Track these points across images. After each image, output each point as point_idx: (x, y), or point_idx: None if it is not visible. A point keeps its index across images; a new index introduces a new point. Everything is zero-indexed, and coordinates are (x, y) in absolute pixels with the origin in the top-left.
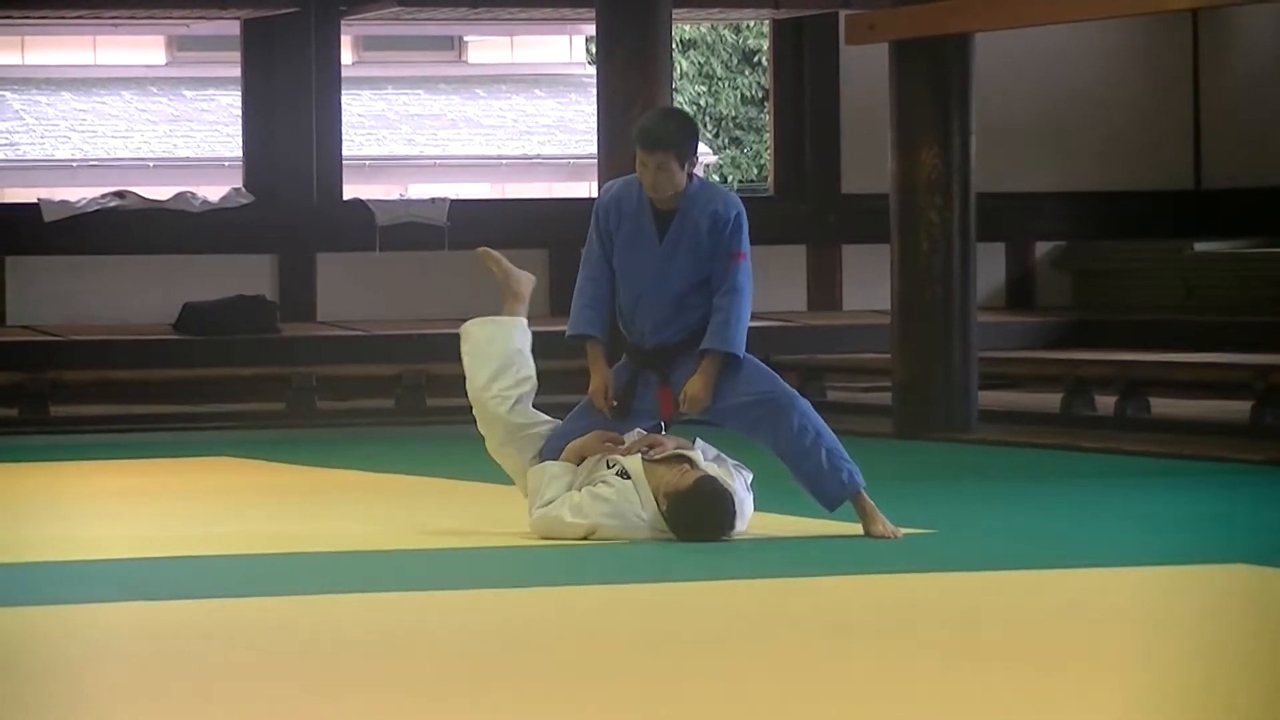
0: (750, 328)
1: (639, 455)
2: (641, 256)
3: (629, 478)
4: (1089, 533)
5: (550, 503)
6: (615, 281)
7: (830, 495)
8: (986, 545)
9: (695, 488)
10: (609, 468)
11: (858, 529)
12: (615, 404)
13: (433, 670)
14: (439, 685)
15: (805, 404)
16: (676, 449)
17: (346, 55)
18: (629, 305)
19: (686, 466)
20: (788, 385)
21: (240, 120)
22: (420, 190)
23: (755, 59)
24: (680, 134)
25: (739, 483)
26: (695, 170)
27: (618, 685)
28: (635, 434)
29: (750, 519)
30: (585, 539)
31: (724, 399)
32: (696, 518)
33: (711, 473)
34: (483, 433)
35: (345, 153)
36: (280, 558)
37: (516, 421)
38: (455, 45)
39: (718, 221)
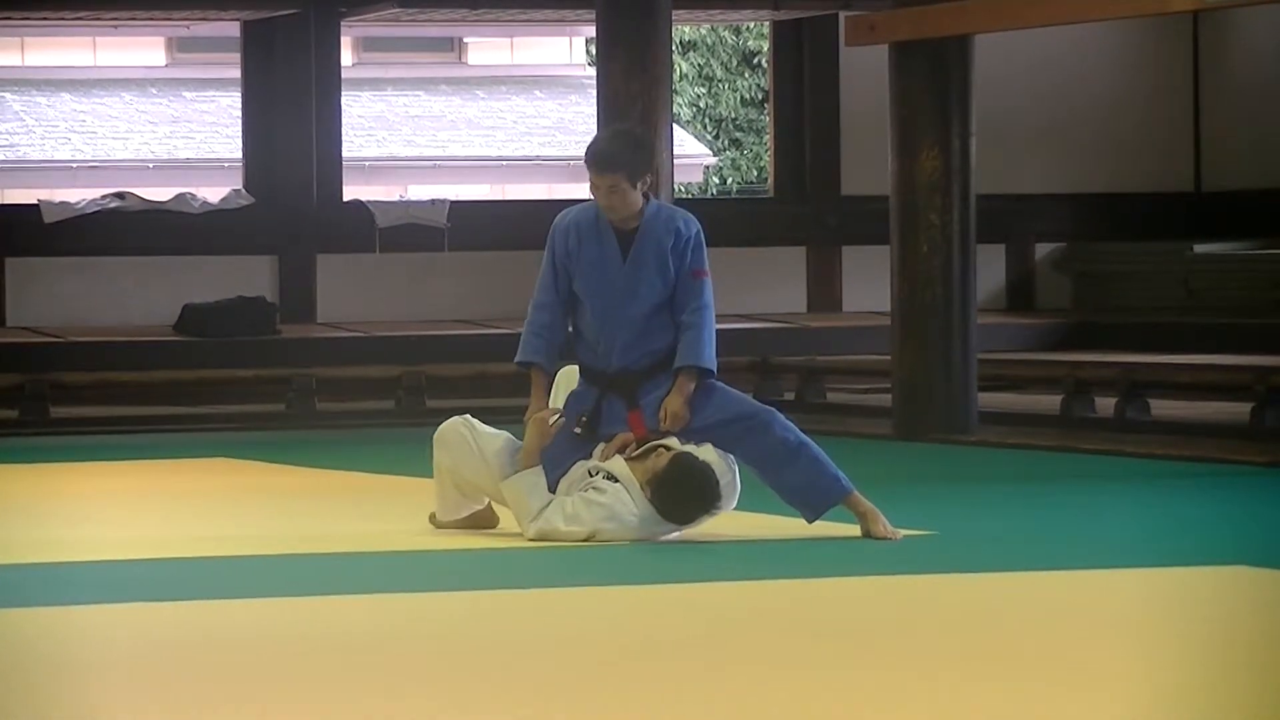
0: (749, 329)
1: (618, 457)
2: (607, 275)
3: (617, 480)
4: (1089, 534)
5: (540, 513)
6: (567, 310)
7: (817, 503)
8: (986, 547)
9: (672, 465)
10: (592, 475)
11: (857, 531)
12: (579, 430)
13: (432, 671)
14: (438, 686)
15: (784, 418)
16: (652, 441)
17: (346, 56)
18: (593, 327)
19: (662, 450)
20: (763, 405)
21: (240, 121)
22: (420, 191)
23: (755, 60)
24: (629, 154)
25: (723, 461)
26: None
27: (612, 687)
28: (599, 449)
29: (738, 495)
30: (584, 541)
31: (703, 418)
32: (681, 494)
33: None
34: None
35: (345, 154)
36: (280, 559)
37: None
38: (455, 46)
39: (679, 239)
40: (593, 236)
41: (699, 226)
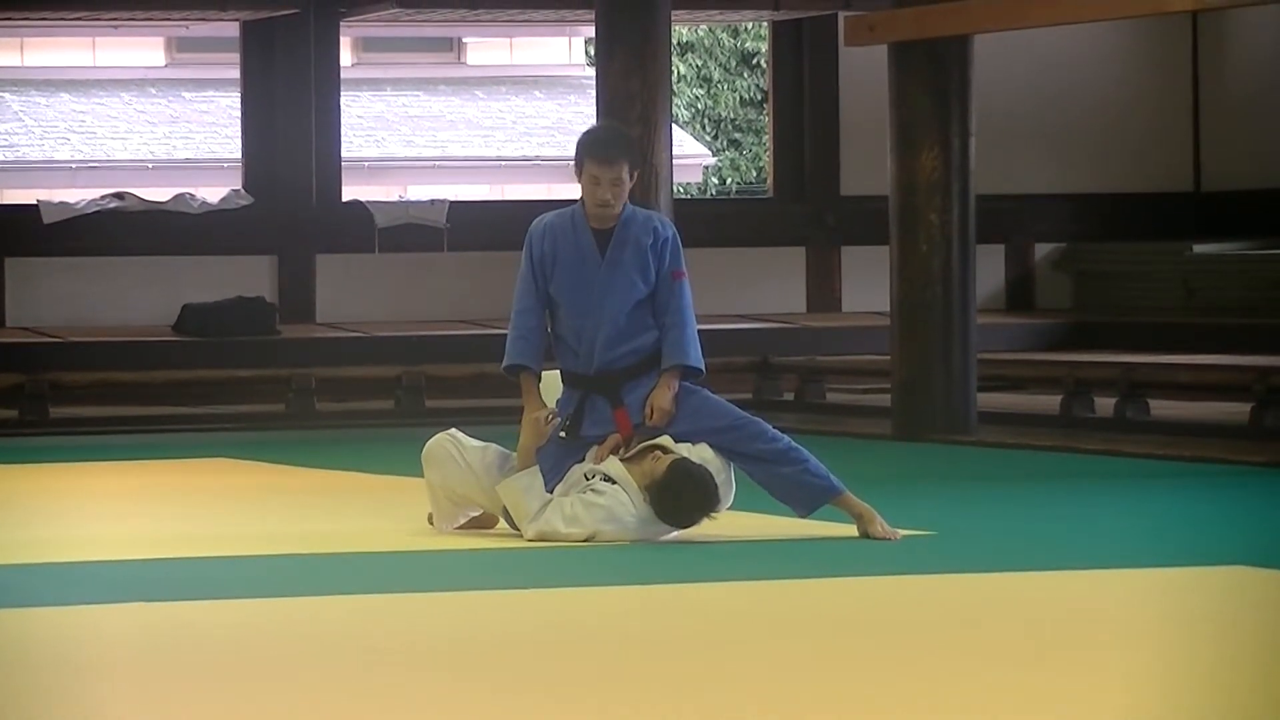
0: (749, 329)
1: (613, 458)
2: (586, 273)
3: (614, 482)
4: (1088, 535)
5: (540, 514)
6: (547, 313)
7: (808, 500)
8: (986, 547)
9: (671, 471)
10: (589, 479)
11: (855, 530)
12: (564, 434)
13: (429, 671)
14: (435, 686)
15: (772, 428)
16: (647, 441)
17: (345, 57)
18: (573, 326)
19: (659, 453)
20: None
21: (239, 122)
22: (419, 191)
23: (754, 61)
24: (631, 147)
25: (718, 458)
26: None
27: (611, 687)
28: (591, 452)
29: (734, 492)
30: (584, 542)
31: (692, 425)
32: (681, 500)
33: (684, 453)
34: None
35: (344, 154)
36: (279, 559)
37: (462, 440)
38: (454, 47)
39: (658, 238)
40: (569, 237)
41: (674, 229)
